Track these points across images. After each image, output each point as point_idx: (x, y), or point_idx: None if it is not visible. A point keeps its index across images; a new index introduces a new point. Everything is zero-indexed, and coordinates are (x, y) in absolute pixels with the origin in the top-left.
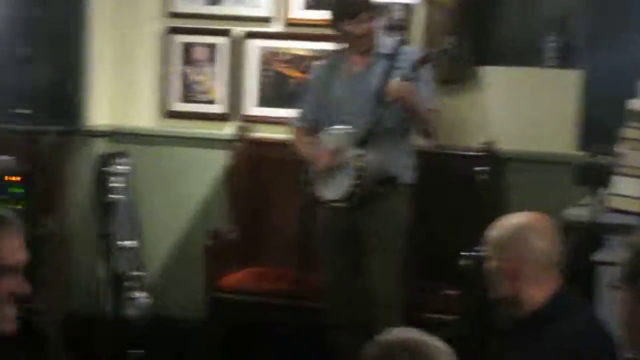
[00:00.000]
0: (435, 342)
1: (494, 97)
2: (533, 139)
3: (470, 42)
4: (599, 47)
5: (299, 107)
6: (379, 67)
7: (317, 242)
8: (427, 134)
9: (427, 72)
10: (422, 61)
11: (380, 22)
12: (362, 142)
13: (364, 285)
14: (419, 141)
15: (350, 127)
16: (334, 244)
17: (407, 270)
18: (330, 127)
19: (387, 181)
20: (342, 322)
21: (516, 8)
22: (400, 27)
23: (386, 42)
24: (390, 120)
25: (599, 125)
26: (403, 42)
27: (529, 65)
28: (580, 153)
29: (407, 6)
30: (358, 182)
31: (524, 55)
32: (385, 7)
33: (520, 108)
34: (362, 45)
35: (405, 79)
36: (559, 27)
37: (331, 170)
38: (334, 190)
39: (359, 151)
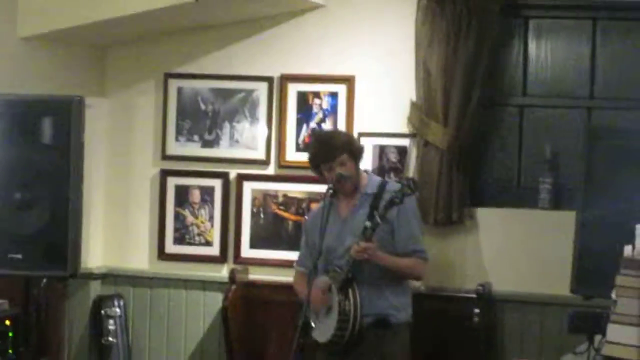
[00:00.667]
0: None
1: (488, 238)
2: (528, 280)
3: (465, 183)
4: (593, 189)
5: (299, 251)
6: (364, 209)
7: None
8: (412, 277)
9: (406, 213)
10: (387, 206)
11: (361, 164)
12: (345, 283)
13: None
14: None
15: (338, 270)
16: None
17: None
18: (324, 271)
19: (379, 322)
20: None
21: (510, 150)
22: (395, 169)
23: (373, 181)
24: (371, 267)
25: (593, 268)
26: (384, 183)
27: (524, 207)
28: (575, 296)
29: (401, 148)
30: (340, 327)
31: (518, 196)
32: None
33: (515, 249)
34: (345, 187)
35: (366, 237)
36: (553, 169)
37: (321, 312)
38: (322, 332)
39: (342, 293)
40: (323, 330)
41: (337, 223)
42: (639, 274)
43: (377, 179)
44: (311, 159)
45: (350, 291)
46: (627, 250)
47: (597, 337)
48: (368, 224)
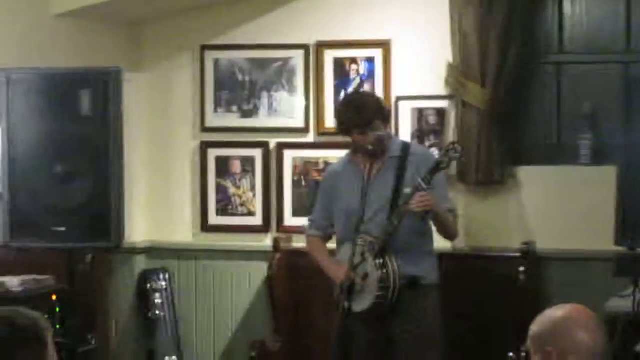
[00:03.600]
0: None
1: (530, 196)
2: (571, 237)
3: (505, 142)
4: (633, 142)
5: (311, 214)
6: (390, 172)
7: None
8: (448, 234)
9: (439, 175)
10: (434, 171)
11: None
12: (381, 251)
13: None
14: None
15: (368, 237)
16: (364, 353)
17: None
18: (346, 237)
19: (411, 284)
20: None
21: (549, 108)
22: (434, 131)
23: (397, 144)
24: (406, 227)
25: (636, 220)
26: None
27: (565, 164)
28: (619, 248)
29: (440, 110)
30: (382, 292)
31: (558, 154)
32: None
33: (557, 206)
34: (374, 151)
35: (422, 188)
36: (592, 125)
37: (353, 284)
38: (360, 302)
39: (378, 261)
40: (362, 298)
41: (360, 186)
42: None
43: (399, 141)
44: (344, 124)
45: (387, 257)
46: None
47: None
48: (408, 190)
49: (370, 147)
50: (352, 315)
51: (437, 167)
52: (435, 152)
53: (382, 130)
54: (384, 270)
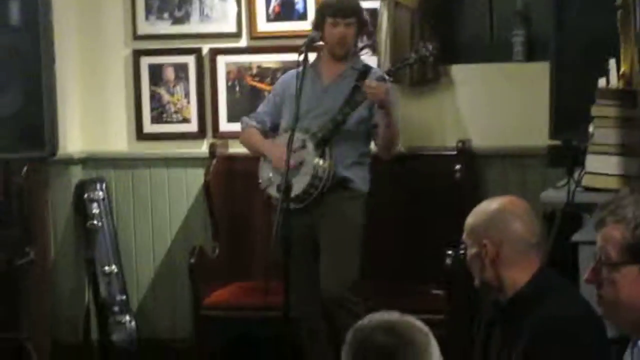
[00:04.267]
0: (413, 322)
1: (465, 94)
2: (507, 133)
3: (438, 41)
4: (564, 35)
5: (257, 111)
6: (347, 83)
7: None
8: (390, 143)
9: (392, 92)
10: (400, 65)
11: (364, 37)
12: (323, 142)
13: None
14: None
15: (311, 128)
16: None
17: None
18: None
19: (342, 185)
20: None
21: (481, 4)
22: (367, 32)
23: (360, 59)
24: (353, 123)
25: (570, 113)
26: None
27: (498, 61)
28: (554, 142)
29: (372, 11)
30: (314, 182)
31: (492, 51)
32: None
33: (492, 104)
34: (338, 50)
35: (380, 77)
36: (524, 21)
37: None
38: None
39: (318, 151)
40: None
41: (317, 87)
42: (613, 102)
43: (363, 60)
44: (321, 13)
45: (327, 150)
46: (601, 82)
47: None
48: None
49: (337, 44)
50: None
51: (404, 61)
52: (368, 53)
53: (353, 33)
54: (321, 161)
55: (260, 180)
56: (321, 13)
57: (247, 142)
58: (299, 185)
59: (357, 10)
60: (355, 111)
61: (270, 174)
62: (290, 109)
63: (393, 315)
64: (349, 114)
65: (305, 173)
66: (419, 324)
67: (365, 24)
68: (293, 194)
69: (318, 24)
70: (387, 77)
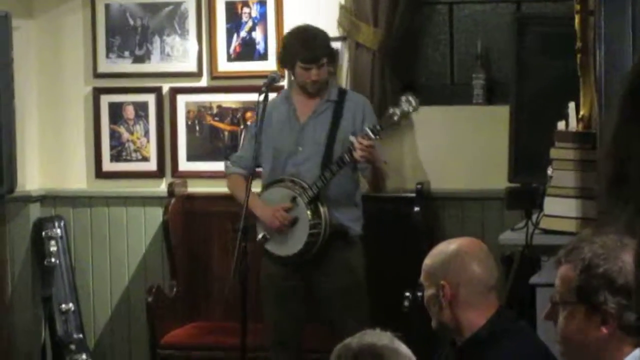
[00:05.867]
0: (399, 347)
1: (425, 137)
2: (466, 176)
3: (398, 83)
4: (524, 79)
5: (238, 152)
6: (326, 116)
7: (262, 297)
8: (378, 185)
9: (379, 145)
10: (385, 124)
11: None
12: (315, 197)
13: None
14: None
15: (299, 180)
16: (279, 298)
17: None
18: (275, 178)
19: (339, 234)
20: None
21: (442, 48)
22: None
23: (332, 87)
24: (340, 176)
25: (529, 157)
26: (344, 91)
27: (458, 104)
28: (513, 185)
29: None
30: (312, 240)
31: (452, 94)
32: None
33: (452, 146)
34: (311, 88)
35: (367, 136)
36: (485, 64)
37: (284, 227)
38: (285, 247)
39: (312, 206)
40: (287, 243)
41: (294, 125)
42: (572, 145)
43: (336, 86)
44: (289, 55)
45: (319, 204)
46: (560, 125)
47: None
48: (353, 138)
49: (310, 85)
50: (272, 257)
51: (389, 120)
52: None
53: (326, 71)
54: (316, 218)
55: (258, 238)
56: (290, 54)
57: (234, 191)
58: (295, 245)
59: (326, 48)
60: (339, 172)
61: (265, 232)
62: (268, 152)
63: (382, 339)
64: (338, 172)
65: (301, 230)
66: (405, 350)
67: (335, 54)
68: (288, 254)
69: (286, 63)
70: (373, 137)
